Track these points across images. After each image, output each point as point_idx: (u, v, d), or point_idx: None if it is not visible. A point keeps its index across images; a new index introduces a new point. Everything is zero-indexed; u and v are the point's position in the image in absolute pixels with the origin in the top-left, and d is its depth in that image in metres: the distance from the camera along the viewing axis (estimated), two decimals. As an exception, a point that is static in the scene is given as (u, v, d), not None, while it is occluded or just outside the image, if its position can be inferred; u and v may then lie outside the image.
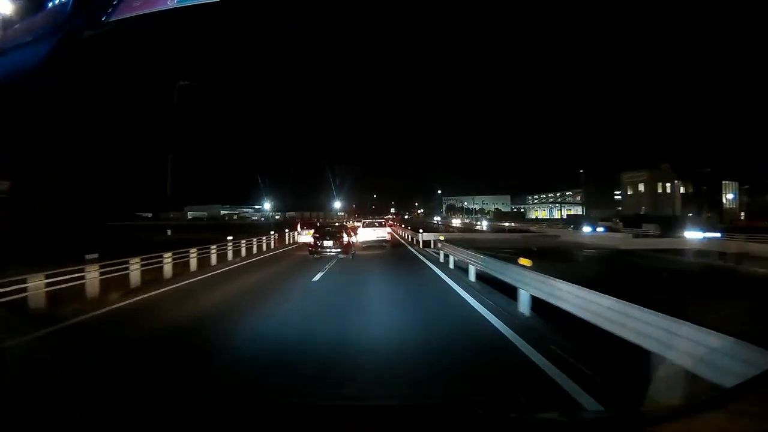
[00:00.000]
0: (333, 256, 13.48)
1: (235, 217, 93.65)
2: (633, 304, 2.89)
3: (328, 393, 2.86)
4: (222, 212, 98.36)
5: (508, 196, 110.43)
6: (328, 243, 14.02)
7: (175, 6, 3.89)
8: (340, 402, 2.81)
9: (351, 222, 43.42)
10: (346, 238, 14.47)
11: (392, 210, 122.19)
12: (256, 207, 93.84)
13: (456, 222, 71.49)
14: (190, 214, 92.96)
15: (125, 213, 79.54)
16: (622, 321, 2.96)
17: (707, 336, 2.22)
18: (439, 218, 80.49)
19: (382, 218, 32.12)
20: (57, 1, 3.31)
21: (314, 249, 13.87)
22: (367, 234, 19.74)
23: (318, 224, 21.56)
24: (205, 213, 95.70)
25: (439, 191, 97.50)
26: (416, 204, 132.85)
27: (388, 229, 22.28)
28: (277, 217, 72.68)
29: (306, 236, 20.76)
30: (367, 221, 24.42)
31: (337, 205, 64.62)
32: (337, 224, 22.59)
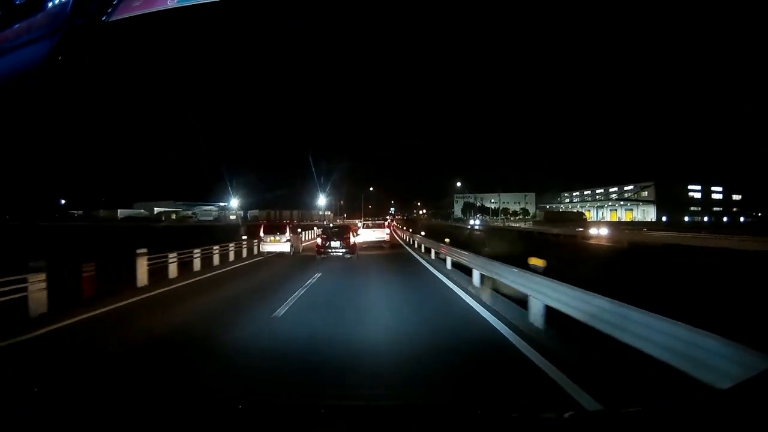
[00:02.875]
0: (339, 256, 14.90)
1: (174, 216, 77.39)
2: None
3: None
4: (157, 210, 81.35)
5: (533, 194, 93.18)
6: (335, 244, 15.32)
7: (176, 6, 3.94)
8: (341, 402, 2.81)
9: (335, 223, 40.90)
10: (352, 239, 15.85)
11: (392, 210, 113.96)
12: (221, 204, 79.27)
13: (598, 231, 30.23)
14: (122, 213, 79.23)
15: (55, 210, 68.30)
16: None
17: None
18: (477, 221, 58.35)
19: (383, 219, 33.43)
20: (57, 1, 3.35)
21: (322, 250, 15.27)
22: (367, 235, 20.99)
23: (291, 226, 17.94)
24: (143, 211, 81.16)
25: (459, 183, 76.40)
26: (418, 203, 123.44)
27: (388, 230, 23.75)
28: (232, 218, 61.49)
29: (272, 245, 16.34)
30: (369, 222, 25.19)
31: (322, 202, 55.97)
32: (342, 225, 22.97)
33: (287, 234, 16.52)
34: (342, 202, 75.58)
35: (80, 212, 76.83)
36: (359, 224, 32.95)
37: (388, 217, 65.31)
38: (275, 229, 17.11)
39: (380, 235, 21.22)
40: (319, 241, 15.90)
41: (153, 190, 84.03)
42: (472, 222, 58.11)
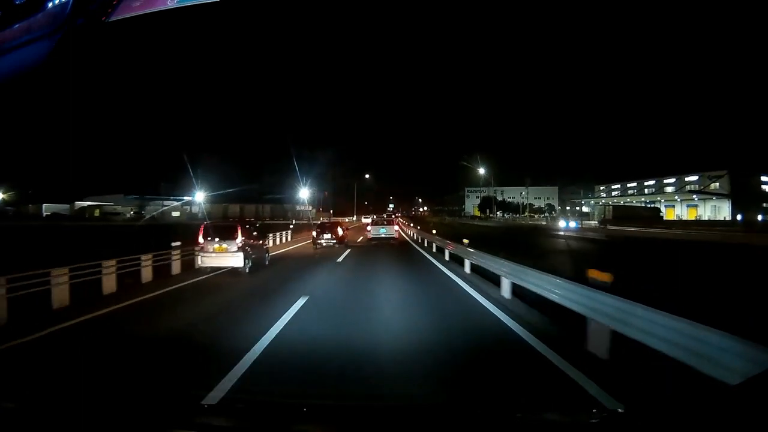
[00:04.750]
0: (330, 245, 18.74)
1: (97, 213, 66.58)
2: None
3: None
4: (81, 204, 70.21)
5: (555, 187, 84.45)
6: (326, 236, 19.40)
7: (176, 6, 3.97)
8: (340, 402, 2.84)
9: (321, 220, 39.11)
10: (341, 232, 20.31)
11: (390, 206, 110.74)
12: (185, 198, 66.17)
13: None
14: (47, 208, 67.84)
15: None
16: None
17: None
18: (573, 223, 40.75)
19: (391, 217, 34.20)
20: (57, 1, 3.39)
21: (317, 241, 19.10)
22: (375, 231, 22.42)
23: (244, 226, 12.28)
24: (68, 206, 70.75)
25: (482, 170, 55.63)
26: (419, 200, 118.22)
27: (396, 227, 24.21)
28: (176, 214, 53.54)
29: (216, 257, 11.02)
30: (378, 219, 26.14)
31: (304, 195, 47.15)
32: (333, 222, 25.09)
33: (239, 239, 11.06)
34: (326, 193, 64.11)
35: (12, 209, 65.46)
36: (366, 220, 34.36)
37: (393, 214, 64.12)
38: (221, 232, 11.32)
39: (389, 232, 22.18)
40: (314, 233, 19.75)
41: (104, 182, 72.34)
42: (563, 224, 36.79)
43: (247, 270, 11.00)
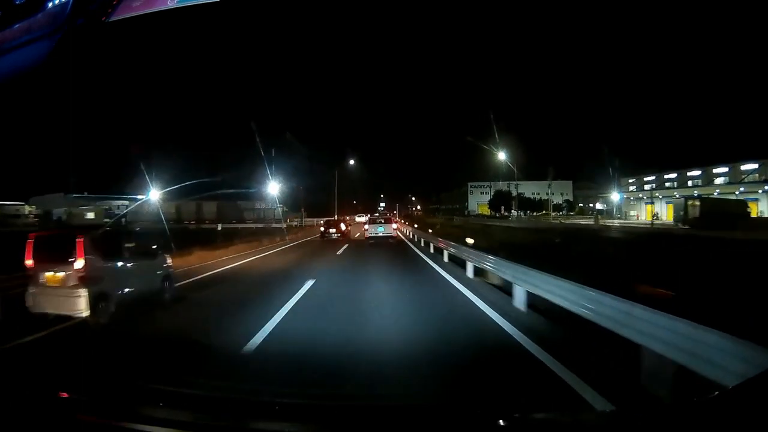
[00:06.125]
0: (336, 238, 24.56)
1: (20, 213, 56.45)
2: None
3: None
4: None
5: (569, 182, 79.03)
6: (331, 230, 25.86)
7: (176, 6, 4.00)
8: (339, 402, 2.83)
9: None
10: (344, 227, 27.10)
11: (381, 205, 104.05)
12: (139, 197, 52.27)
13: None
14: None
15: None
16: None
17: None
18: None
19: (390, 216, 34.45)
20: (57, 1, 3.40)
21: (325, 234, 25.49)
22: (373, 230, 22.66)
23: (124, 232, 8.75)
24: None
25: (502, 155, 42.86)
26: (413, 198, 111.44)
27: (395, 225, 25.40)
28: (90, 216, 47.03)
29: (51, 296, 6.16)
30: (376, 218, 27.01)
31: (273, 190, 41.60)
32: (337, 219, 31.59)
33: (79, 262, 6.07)
34: (299, 188, 54.03)
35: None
36: (360, 219, 37.46)
37: (388, 213, 62.81)
38: (57, 247, 6.43)
39: (387, 230, 22.43)
40: (322, 229, 26.75)
41: (48, 180, 62.35)
42: None
43: (101, 320, 6.05)
